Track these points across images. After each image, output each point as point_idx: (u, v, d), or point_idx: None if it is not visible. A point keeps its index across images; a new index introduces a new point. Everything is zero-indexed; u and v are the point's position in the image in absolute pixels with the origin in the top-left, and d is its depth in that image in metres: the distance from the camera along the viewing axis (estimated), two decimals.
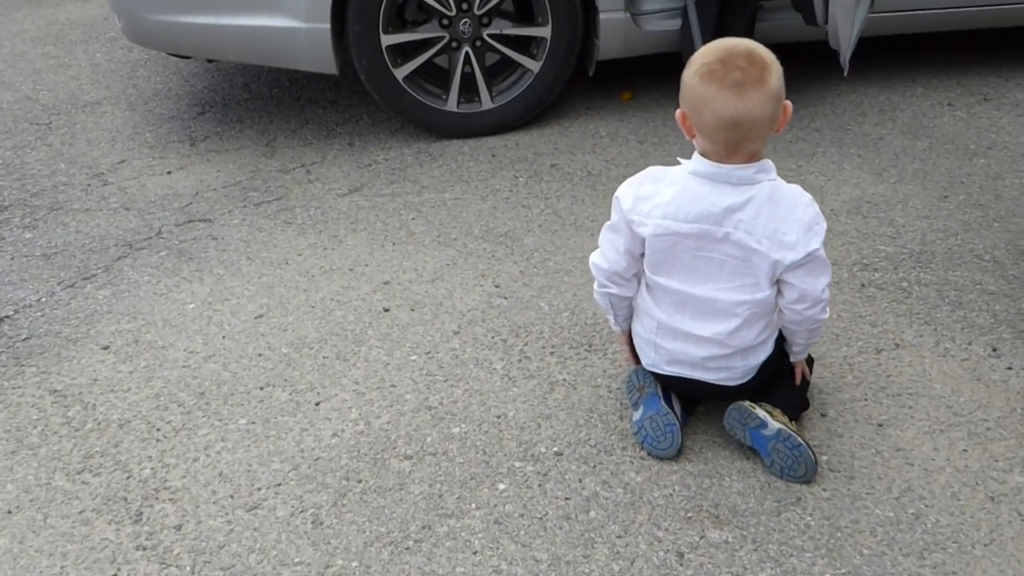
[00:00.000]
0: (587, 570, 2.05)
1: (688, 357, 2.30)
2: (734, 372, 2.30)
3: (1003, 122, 3.85)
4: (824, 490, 2.23)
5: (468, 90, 3.92)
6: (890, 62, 4.44)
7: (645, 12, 3.88)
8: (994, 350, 2.63)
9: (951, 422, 2.40)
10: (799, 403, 2.38)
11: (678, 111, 2.17)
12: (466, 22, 3.80)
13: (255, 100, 4.49)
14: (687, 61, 2.14)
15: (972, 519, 2.13)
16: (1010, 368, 2.57)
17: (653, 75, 4.32)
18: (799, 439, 2.23)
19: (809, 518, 2.15)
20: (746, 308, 2.21)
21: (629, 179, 2.27)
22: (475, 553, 2.10)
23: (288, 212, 3.54)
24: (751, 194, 2.13)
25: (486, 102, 3.92)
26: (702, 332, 2.26)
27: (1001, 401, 2.46)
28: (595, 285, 2.41)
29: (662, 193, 2.19)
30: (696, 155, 2.18)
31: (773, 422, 2.25)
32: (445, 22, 3.81)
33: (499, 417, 2.50)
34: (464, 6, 3.78)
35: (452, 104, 3.91)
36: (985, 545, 2.06)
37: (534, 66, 3.89)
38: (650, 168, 2.27)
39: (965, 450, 2.32)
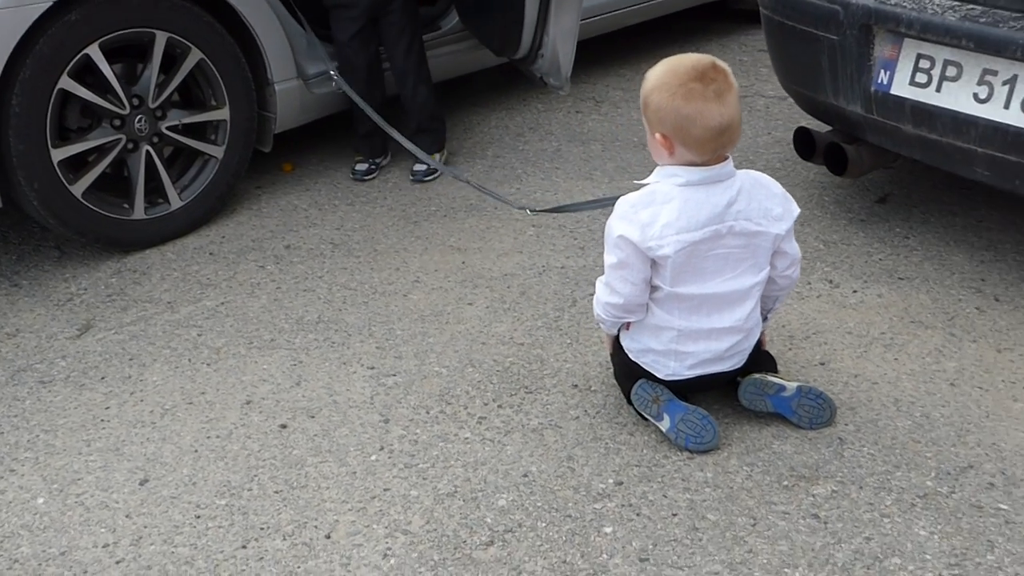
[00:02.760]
0: (765, 561, 2.12)
1: (711, 353, 2.43)
2: (743, 355, 2.49)
3: (634, 116, 4.41)
4: (847, 425, 2.51)
5: (149, 192, 3.54)
6: (479, 89, 4.80)
7: (313, 76, 3.80)
8: (830, 282, 3.10)
9: (864, 344, 2.81)
10: (775, 363, 2.62)
11: (657, 135, 2.28)
12: (141, 118, 3.43)
13: None
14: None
15: (959, 402, 2.55)
16: (855, 291, 3.05)
17: (298, 140, 4.21)
18: (819, 389, 2.48)
19: (866, 448, 2.42)
20: (757, 288, 2.41)
21: (615, 216, 2.33)
22: None
23: (29, 372, 2.95)
24: (738, 185, 2.33)
25: (175, 201, 3.57)
26: (723, 324, 2.40)
27: (876, 316, 2.92)
28: (603, 318, 2.45)
29: (663, 213, 2.29)
30: (678, 168, 2.31)
31: (790, 383, 2.48)
32: (117, 123, 3.40)
33: (526, 476, 2.42)
34: (136, 101, 3.41)
35: (139, 211, 3.50)
36: (984, 418, 2.49)
37: (217, 152, 3.63)
38: (627, 197, 2.35)
39: (896, 359, 2.74)
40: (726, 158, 2.32)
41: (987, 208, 3.46)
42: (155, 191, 3.53)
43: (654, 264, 2.33)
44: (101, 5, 3.25)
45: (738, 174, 2.35)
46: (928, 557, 2.09)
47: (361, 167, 3.97)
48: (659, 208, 2.29)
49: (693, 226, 2.28)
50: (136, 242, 3.52)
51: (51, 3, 3.12)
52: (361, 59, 3.77)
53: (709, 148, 2.25)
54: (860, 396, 2.59)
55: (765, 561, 2.10)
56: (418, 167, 3.87)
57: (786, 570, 2.08)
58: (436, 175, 3.86)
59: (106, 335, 3.09)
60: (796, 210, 2.40)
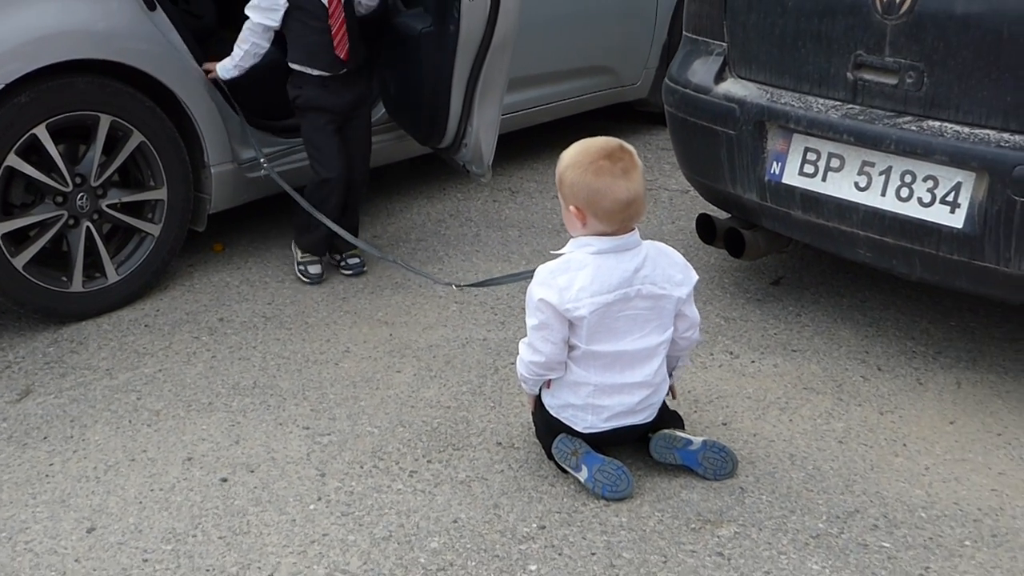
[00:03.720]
0: None
1: (624, 407, 2.68)
2: (653, 409, 2.74)
3: (548, 204, 4.71)
4: (748, 476, 2.76)
5: (87, 266, 3.69)
6: (401, 177, 5.07)
7: (246, 161, 4.02)
8: (731, 353, 3.39)
9: (761, 407, 3.08)
10: (682, 421, 2.88)
11: (571, 207, 2.57)
12: (83, 196, 3.60)
13: None
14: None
15: (846, 457, 2.82)
16: (753, 361, 3.34)
17: (228, 222, 4.40)
18: (722, 443, 2.74)
19: (764, 496, 2.67)
20: (663, 347, 2.68)
21: (535, 282, 2.59)
22: None
23: None
24: (644, 252, 2.62)
25: (111, 276, 3.73)
26: (634, 379, 2.66)
27: (772, 383, 3.21)
28: (526, 377, 2.68)
29: (578, 278, 2.56)
30: (590, 238, 2.59)
31: (696, 438, 2.74)
32: (60, 199, 3.57)
33: (456, 522, 2.61)
34: (78, 180, 3.59)
35: (77, 285, 3.65)
36: (869, 470, 2.76)
37: (154, 230, 3.81)
38: (546, 265, 2.62)
39: (790, 420, 3.02)
40: (633, 229, 2.60)
41: (870, 290, 3.80)
42: (93, 265, 3.68)
43: (571, 325, 2.58)
44: (50, 88, 3.43)
45: (644, 244, 2.63)
46: None
47: (315, 269, 4.04)
48: (575, 274, 2.55)
49: (605, 289, 2.54)
50: (73, 314, 3.66)
51: (2, 85, 3.30)
52: (341, 160, 3.88)
53: (617, 219, 2.53)
54: (759, 452, 2.85)
55: None
56: (352, 261, 4.04)
57: None
58: (365, 268, 4.04)
59: (46, 399, 3.21)
60: (695, 277, 2.69)
